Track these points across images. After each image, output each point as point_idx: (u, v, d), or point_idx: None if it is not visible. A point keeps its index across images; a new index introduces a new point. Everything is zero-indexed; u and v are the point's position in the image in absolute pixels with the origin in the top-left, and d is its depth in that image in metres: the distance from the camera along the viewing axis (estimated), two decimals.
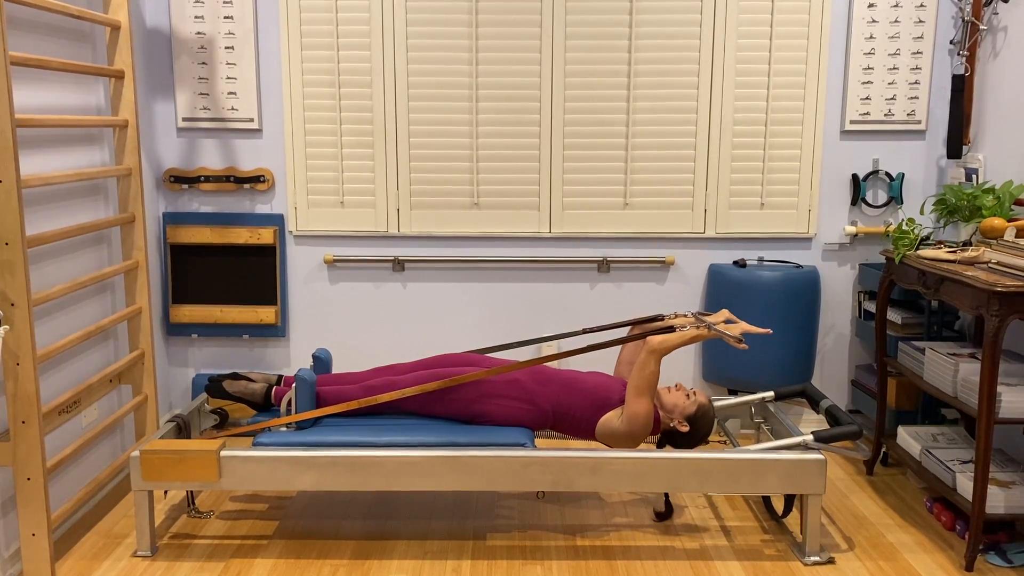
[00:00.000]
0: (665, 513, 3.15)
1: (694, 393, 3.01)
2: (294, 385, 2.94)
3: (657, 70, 3.77)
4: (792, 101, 3.79)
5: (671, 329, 2.87)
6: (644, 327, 3.15)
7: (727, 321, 2.95)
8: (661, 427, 3.02)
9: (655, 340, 2.83)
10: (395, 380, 3.02)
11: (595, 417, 2.97)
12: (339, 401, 3.00)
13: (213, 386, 3.12)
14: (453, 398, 2.98)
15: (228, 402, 3.14)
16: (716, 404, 3.43)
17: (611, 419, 2.95)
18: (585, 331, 3.30)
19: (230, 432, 3.09)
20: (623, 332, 3.69)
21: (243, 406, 3.14)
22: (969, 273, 2.79)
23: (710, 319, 2.93)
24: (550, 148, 3.82)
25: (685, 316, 2.99)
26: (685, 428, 2.97)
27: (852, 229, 3.86)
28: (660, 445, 3.10)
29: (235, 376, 3.15)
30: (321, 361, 3.26)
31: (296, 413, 2.95)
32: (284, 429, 2.95)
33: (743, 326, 2.88)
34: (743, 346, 2.80)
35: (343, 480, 2.82)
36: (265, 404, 3.09)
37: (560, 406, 2.99)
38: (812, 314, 3.76)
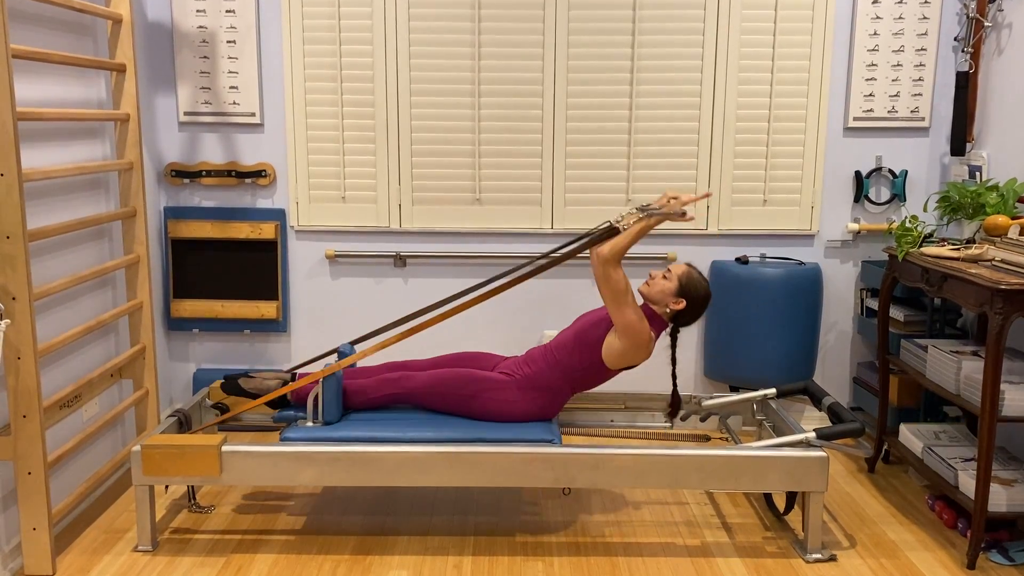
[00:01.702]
0: (673, 407, 3.07)
1: (668, 270, 2.93)
2: (320, 381, 2.93)
3: (660, 66, 3.76)
4: (795, 97, 3.78)
5: (618, 232, 2.79)
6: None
7: (672, 201, 2.85)
8: (663, 318, 2.95)
9: (604, 248, 2.76)
10: (412, 374, 3.01)
11: (598, 355, 2.91)
12: (362, 395, 2.99)
13: (229, 383, 3.11)
14: (470, 401, 2.97)
15: (241, 399, 3.14)
16: (718, 402, 3.43)
17: (611, 343, 2.88)
18: (538, 258, 3.16)
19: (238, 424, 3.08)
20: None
21: (245, 401, 3.13)
22: (973, 271, 2.78)
23: (654, 205, 2.84)
24: (552, 144, 3.81)
25: (631, 213, 2.85)
26: (681, 304, 2.89)
27: (855, 226, 3.85)
28: (674, 337, 2.99)
29: (248, 375, 3.14)
30: (345, 357, 3.24)
31: (323, 409, 2.93)
32: (310, 425, 2.95)
33: (684, 198, 2.80)
34: (689, 218, 2.75)
35: (344, 476, 2.82)
36: (281, 401, 3.08)
37: (567, 372, 2.95)
38: (814, 311, 3.75)
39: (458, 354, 3.19)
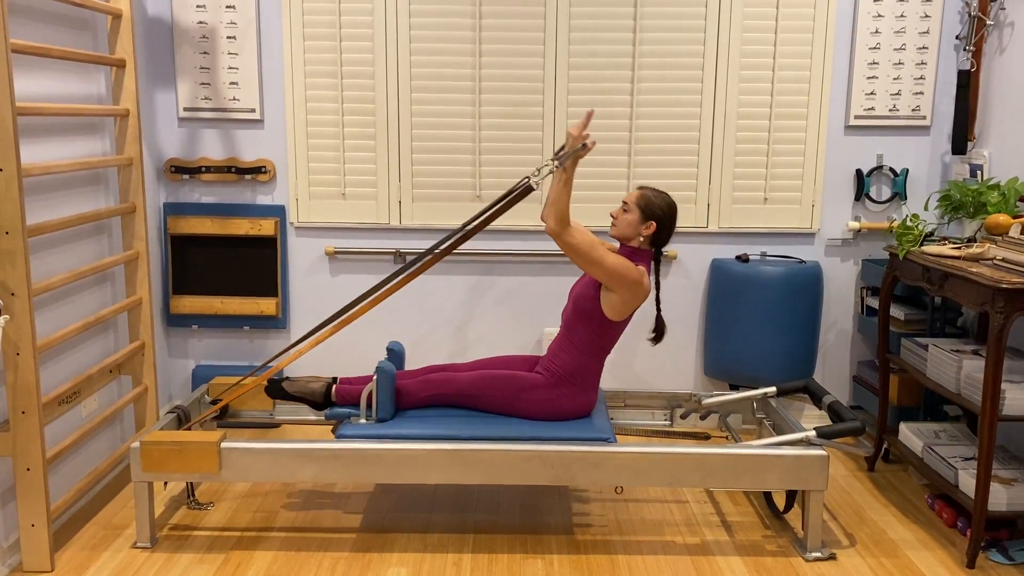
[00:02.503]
0: (657, 333, 3.04)
1: (625, 203, 2.92)
2: (375, 378, 2.93)
3: (661, 63, 3.75)
4: (796, 96, 3.77)
5: (532, 189, 2.82)
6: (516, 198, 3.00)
7: (571, 138, 2.80)
8: (642, 248, 2.93)
9: (549, 221, 2.75)
10: (455, 376, 3.00)
11: (602, 317, 2.88)
12: (407, 395, 2.99)
13: (272, 387, 3.11)
14: (513, 402, 2.97)
15: (288, 402, 3.16)
16: (718, 400, 3.42)
17: (608, 299, 2.85)
18: (462, 228, 3.11)
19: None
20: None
21: (246, 398, 3.12)
22: (974, 270, 2.77)
23: (566, 150, 2.79)
24: (552, 141, 3.80)
25: (546, 165, 2.84)
26: (652, 226, 2.88)
27: (855, 225, 3.85)
28: (657, 261, 2.97)
29: (290, 379, 3.15)
30: (395, 353, 3.24)
31: (378, 405, 2.93)
32: (364, 422, 2.94)
33: (574, 132, 2.75)
34: (590, 145, 2.73)
35: (343, 473, 2.81)
36: (325, 403, 3.08)
37: (584, 348, 2.93)
38: (814, 310, 3.74)
39: (499, 357, 3.20)
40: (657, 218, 2.89)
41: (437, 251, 3.03)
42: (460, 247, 3.86)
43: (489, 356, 3.59)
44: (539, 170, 2.83)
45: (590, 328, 2.92)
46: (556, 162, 2.78)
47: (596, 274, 2.81)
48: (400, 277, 3.03)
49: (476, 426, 2.90)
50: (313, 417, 3.44)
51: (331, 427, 3.13)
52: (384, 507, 3.18)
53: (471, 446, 2.80)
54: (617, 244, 3.00)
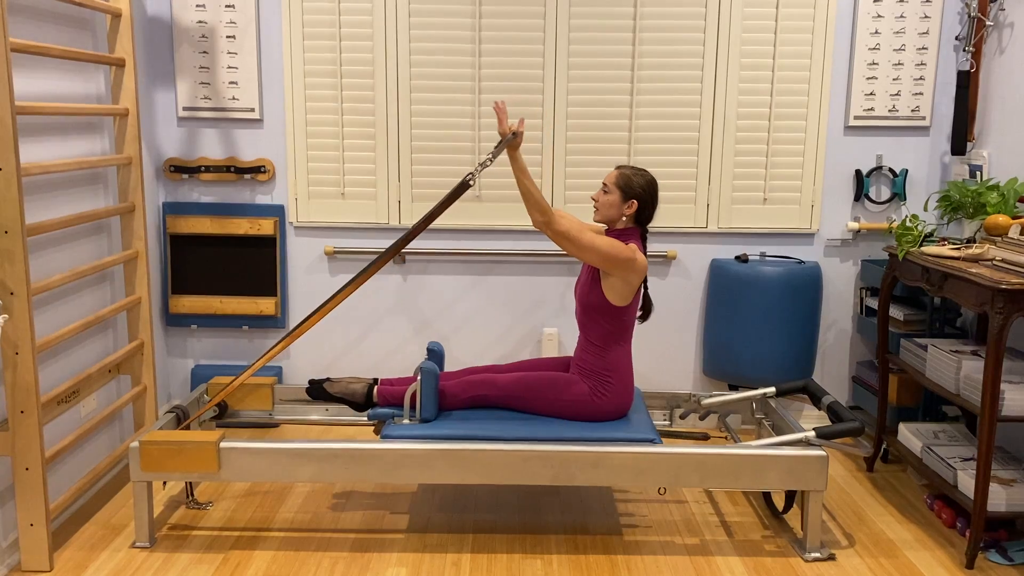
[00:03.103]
0: (644, 311, 3.05)
1: (605, 184, 2.94)
2: (419, 378, 2.93)
3: (661, 63, 3.75)
4: (796, 96, 3.77)
5: (470, 185, 2.89)
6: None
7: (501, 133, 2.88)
8: (629, 229, 2.94)
9: (531, 214, 2.79)
10: (496, 378, 3.00)
11: (610, 306, 2.88)
12: (449, 397, 3.01)
13: (314, 388, 3.11)
14: (554, 403, 2.97)
15: (331, 402, 3.19)
16: (717, 400, 3.42)
17: (609, 285, 2.85)
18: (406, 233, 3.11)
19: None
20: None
21: (245, 398, 3.12)
22: (973, 270, 2.77)
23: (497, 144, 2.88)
24: (552, 141, 3.80)
25: (481, 164, 2.89)
26: (634, 205, 2.90)
27: (855, 225, 3.85)
28: (644, 239, 2.99)
29: (330, 380, 3.16)
30: (435, 353, 3.24)
31: (421, 406, 2.94)
32: (407, 423, 2.94)
33: (500, 128, 2.85)
34: (520, 132, 2.81)
35: (342, 473, 2.81)
36: (366, 403, 3.08)
37: (606, 339, 2.93)
38: (814, 310, 3.75)
39: (536, 359, 3.21)
40: (638, 195, 2.90)
41: (387, 255, 3.05)
42: (461, 247, 3.89)
43: (488, 355, 3.59)
44: (475, 169, 2.90)
45: (602, 321, 2.92)
46: (490, 156, 2.87)
47: (590, 259, 2.81)
48: (350, 283, 3.05)
49: (520, 428, 2.90)
50: (313, 417, 3.44)
51: (373, 428, 3.15)
52: (383, 507, 3.18)
53: (469, 446, 2.80)
54: (604, 229, 3.02)
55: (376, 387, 3.07)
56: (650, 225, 3.01)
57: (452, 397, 3.01)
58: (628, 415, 3.03)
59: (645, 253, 2.98)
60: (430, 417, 2.94)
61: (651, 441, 2.85)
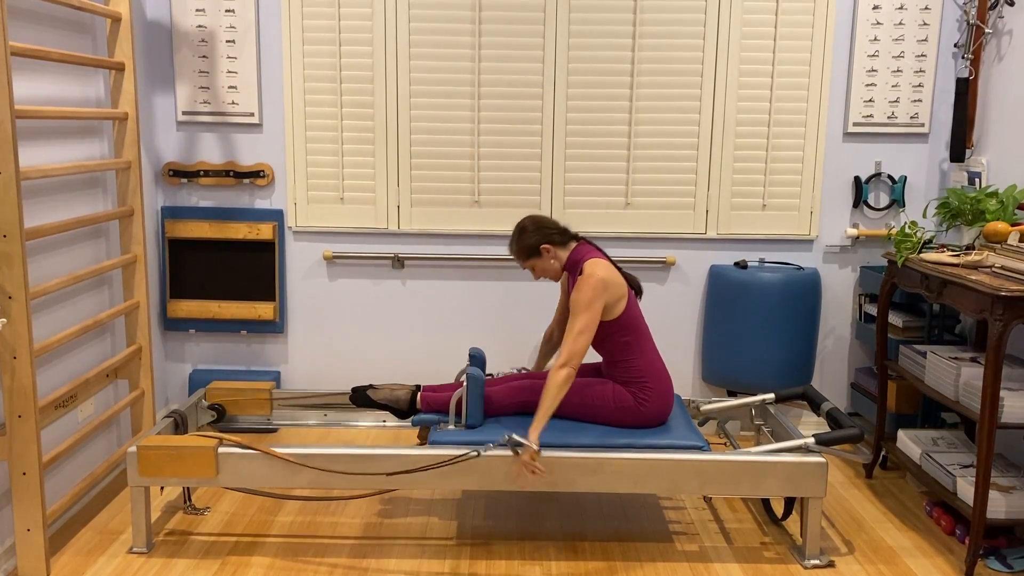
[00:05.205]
0: (634, 289, 3.05)
1: (529, 269, 3.03)
2: (464, 384, 2.94)
3: (660, 70, 3.75)
4: (795, 102, 3.77)
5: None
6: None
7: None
8: (570, 257, 2.98)
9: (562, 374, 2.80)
10: (539, 384, 2.99)
11: (610, 323, 2.91)
12: (493, 402, 3.01)
13: (357, 395, 3.13)
14: (597, 410, 2.98)
15: (374, 409, 3.17)
16: (716, 406, 3.42)
17: (592, 311, 2.83)
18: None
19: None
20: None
21: (243, 403, 3.12)
22: (973, 277, 2.77)
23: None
24: (552, 146, 3.80)
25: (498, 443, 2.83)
26: (549, 250, 2.96)
27: (854, 231, 3.85)
28: (586, 242, 3.02)
29: (373, 387, 3.16)
30: (477, 359, 3.23)
31: (468, 412, 2.94)
32: (452, 428, 2.94)
33: (518, 468, 2.78)
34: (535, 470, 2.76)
35: (341, 479, 2.80)
36: (410, 410, 3.10)
37: (624, 354, 2.96)
38: (812, 316, 3.75)
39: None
40: (538, 243, 2.97)
41: None
42: (459, 252, 3.88)
43: (488, 359, 3.57)
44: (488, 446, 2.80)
45: (611, 337, 2.95)
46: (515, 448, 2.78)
47: (596, 324, 2.85)
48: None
49: (569, 435, 2.89)
50: (312, 422, 3.43)
51: (417, 433, 3.15)
52: (382, 513, 3.17)
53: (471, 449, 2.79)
54: (565, 278, 3.08)
55: (420, 393, 3.08)
56: (578, 230, 3.07)
57: (497, 403, 3.02)
58: (668, 422, 3.04)
59: (599, 250, 3.01)
60: (476, 423, 2.95)
61: (699, 448, 2.85)
